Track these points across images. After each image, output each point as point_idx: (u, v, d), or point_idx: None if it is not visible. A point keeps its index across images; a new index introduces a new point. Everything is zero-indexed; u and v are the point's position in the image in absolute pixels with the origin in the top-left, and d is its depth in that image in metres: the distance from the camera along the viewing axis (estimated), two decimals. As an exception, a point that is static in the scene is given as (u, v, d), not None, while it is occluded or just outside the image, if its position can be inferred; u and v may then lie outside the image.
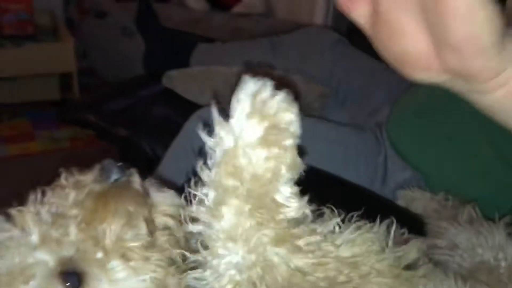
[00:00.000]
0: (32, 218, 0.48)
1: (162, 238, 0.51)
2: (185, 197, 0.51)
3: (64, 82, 2.72)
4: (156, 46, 1.78)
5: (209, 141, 0.47)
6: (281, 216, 0.46)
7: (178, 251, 0.51)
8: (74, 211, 0.49)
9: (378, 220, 0.54)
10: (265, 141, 0.45)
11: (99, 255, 0.48)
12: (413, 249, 0.54)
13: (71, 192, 0.51)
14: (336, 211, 0.53)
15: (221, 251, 0.46)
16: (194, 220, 0.48)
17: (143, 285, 0.48)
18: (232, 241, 0.45)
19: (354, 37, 1.66)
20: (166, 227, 0.53)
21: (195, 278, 0.47)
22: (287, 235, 0.46)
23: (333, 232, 0.50)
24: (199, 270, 0.47)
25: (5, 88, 2.60)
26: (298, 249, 0.46)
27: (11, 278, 0.46)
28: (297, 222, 0.48)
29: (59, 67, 2.59)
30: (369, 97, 1.43)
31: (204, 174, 0.47)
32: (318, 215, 0.52)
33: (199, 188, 0.48)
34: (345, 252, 0.48)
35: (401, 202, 1.00)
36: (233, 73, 1.48)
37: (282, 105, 0.46)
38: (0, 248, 0.48)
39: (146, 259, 0.49)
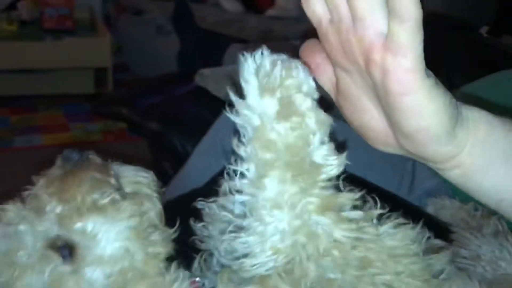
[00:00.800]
0: (15, 211, 0.52)
1: (132, 199, 0.54)
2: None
3: (99, 77, 2.80)
4: (191, 45, 1.83)
5: (237, 120, 0.49)
6: (324, 176, 0.47)
7: (149, 205, 0.53)
8: (44, 192, 0.53)
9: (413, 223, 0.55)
10: (283, 113, 0.46)
11: (79, 223, 0.51)
12: (443, 259, 0.54)
13: (41, 180, 0.54)
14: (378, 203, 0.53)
15: (267, 218, 0.46)
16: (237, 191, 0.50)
17: (124, 235, 0.51)
18: (278, 208, 0.46)
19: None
20: (135, 194, 0.56)
21: (241, 242, 0.48)
22: (332, 203, 0.47)
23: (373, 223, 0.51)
24: (243, 235, 0.48)
25: (43, 80, 2.69)
26: (342, 220, 0.47)
27: (6, 258, 0.50)
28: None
29: (96, 61, 2.67)
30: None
31: (241, 150, 0.48)
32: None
33: (239, 165, 0.49)
34: (386, 241, 0.49)
35: (429, 209, 1.00)
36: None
37: (284, 73, 0.47)
38: None
39: (118, 210, 0.51)
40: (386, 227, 0.50)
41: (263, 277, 0.47)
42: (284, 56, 0.49)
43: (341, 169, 0.49)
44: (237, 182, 0.49)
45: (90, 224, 0.51)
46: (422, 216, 0.96)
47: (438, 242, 0.77)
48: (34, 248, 0.50)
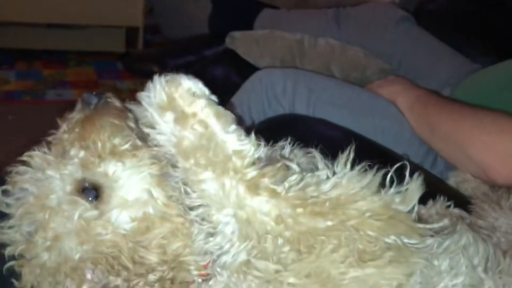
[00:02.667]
0: (41, 157, 0.56)
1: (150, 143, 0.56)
2: None
3: (130, 36, 2.82)
4: (222, 8, 1.82)
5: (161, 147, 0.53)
6: (247, 160, 0.51)
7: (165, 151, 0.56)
8: (66, 137, 0.55)
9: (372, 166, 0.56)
10: (180, 121, 0.51)
11: (101, 167, 0.54)
12: (415, 191, 0.54)
13: (63, 125, 0.57)
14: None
15: (221, 218, 0.51)
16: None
17: (146, 180, 0.54)
18: (223, 207, 0.50)
19: (422, 16, 1.63)
20: None
21: (215, 245, 0.52)
22: (256, 177, 0.50)
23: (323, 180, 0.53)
24: (211, 239, 0.52)
25: (75, 36, 2.73)
26: (276, 194, 0.49)
27: (38, 201, 0.53)
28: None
29: (127, 20, 2.69)
30: (429, 78, 1.41)
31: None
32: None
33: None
34: (332, 193, 0.51)
35: (451, 182, 1.01)
36: (296, 40, 1.49)
37: (170, 87, 0.52)
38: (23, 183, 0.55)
39: (139, 157, 0.55)
40: (334, 179, 0.52)
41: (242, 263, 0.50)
42: (169, 75, 0.54)
43: (259, 148, 0.52)
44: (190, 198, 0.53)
45: (112, 168, 0.54)
46: (442, 187, 0.98)
47: (456, 211, 0.79)
48: (63, 192, 0.53)
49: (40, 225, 0.52)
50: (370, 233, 0.49)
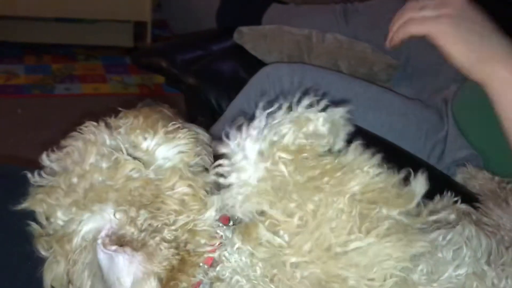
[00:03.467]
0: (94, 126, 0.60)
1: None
2: None
3: (138, 31, 2.84)
4: (231, 3, 1.82)
5: None
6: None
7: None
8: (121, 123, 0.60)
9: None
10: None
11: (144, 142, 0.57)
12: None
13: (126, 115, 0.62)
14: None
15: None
16: None
17: (179, 157, 0.57)
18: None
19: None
20: None
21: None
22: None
23: None
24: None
25: (83, 30, 2.75)
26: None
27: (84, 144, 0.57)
28: None
29: (136, 15, 2.70)
30: (437, 74, 1.41)
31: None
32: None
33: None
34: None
35: (458, 178, 1.01)
36: (304, 35, 1.50)
37: None
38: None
39: (177, 135, 0.58)
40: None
41: None
42: None
43: None
44: None
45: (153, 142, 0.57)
46: (448, 183, 0.98)
47: (463, 206, 0.79)
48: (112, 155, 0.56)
49: (80, 157, 0.55)
50: (371, 204, 0.50)
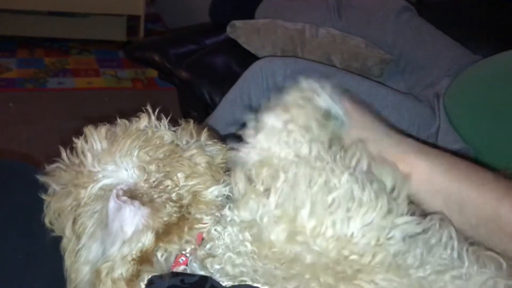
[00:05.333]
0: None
1: None
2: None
3: (131, 25, 2.83)
4: (224, -2, 1.82)
5: None
6: None
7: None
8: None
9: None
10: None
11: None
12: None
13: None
14: None
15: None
16: None
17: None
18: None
19: (424, 5, 1.63)
20: None
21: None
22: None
23: None
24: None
25: (77, 24, 2.73)
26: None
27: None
28: None
29: (129, 9, 2.69)
30: (429, 69, 1.41)
31: None
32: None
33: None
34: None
35: None
36: (297, 29, 1.50)
37: None
38: None
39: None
40: None
41: None
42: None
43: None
44: None
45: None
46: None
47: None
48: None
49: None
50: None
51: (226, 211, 0.56)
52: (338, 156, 0.56)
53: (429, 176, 0.58)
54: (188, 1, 2.47)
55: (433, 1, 1.69)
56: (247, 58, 1.44)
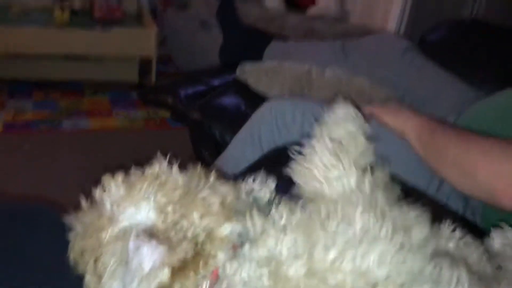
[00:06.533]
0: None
1: None
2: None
3: (143, 67, 2.91)
4: (233, 40, 1.89)
5: None
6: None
7: None
8: None
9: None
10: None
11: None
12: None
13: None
14: None
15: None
16: None
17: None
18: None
19: (427, 45, 1.68)
20: None
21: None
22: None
23: None
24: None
25: (91, 67, 2.82)
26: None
27: None
28: None
29: (141, 51, 2.78)
30: (434, 106, 1.44)
31: None
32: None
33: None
34: None
35: (496, 243, 0.90)
36: (304, 70, 1.55)
37: None
38: None
39: None
40: None
41: None
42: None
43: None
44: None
45: None
46: (449, 214, 1.00)
47: (468, 238, 0.79)
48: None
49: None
50: None
51: (244, 248, 0.59)
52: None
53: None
54: (198, 45, 2.55)
55: (434, 40, 1.74)
56: (256, 99, 1.48)
